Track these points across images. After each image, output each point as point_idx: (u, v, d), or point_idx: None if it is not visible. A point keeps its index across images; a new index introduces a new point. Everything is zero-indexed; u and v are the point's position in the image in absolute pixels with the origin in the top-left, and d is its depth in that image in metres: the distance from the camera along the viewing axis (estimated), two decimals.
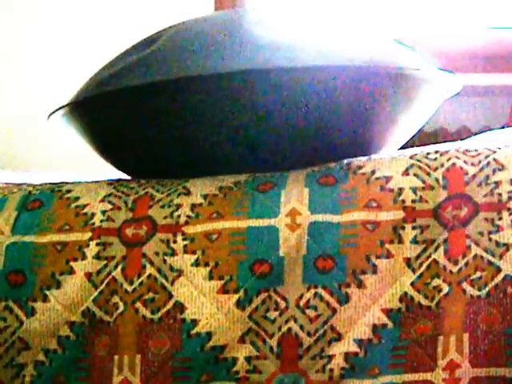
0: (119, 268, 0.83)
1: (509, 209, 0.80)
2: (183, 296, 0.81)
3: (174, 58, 0.88)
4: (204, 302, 0.81)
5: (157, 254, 0.83)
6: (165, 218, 0.84)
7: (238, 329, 0.80)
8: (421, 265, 0.80)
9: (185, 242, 0.83)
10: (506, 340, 0.78)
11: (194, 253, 0.82)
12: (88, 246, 0.84)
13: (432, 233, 0.80)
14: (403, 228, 0.81)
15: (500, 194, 0.81)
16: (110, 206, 0.86)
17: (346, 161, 0.88)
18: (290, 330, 0.80)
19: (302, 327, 0.80)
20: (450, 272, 0.79)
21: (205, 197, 0.86)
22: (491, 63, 2.18)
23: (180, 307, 0.81)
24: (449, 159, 0.84)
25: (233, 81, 0.85)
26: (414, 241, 0.80)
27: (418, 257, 0.80)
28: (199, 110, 0.87)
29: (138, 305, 0.81)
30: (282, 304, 0.80)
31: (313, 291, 0.80)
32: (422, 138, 2.19)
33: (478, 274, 0.79)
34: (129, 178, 1.06)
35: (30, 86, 2.27)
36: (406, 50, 0.96)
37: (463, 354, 0.78)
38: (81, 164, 2.26)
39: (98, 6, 2.27)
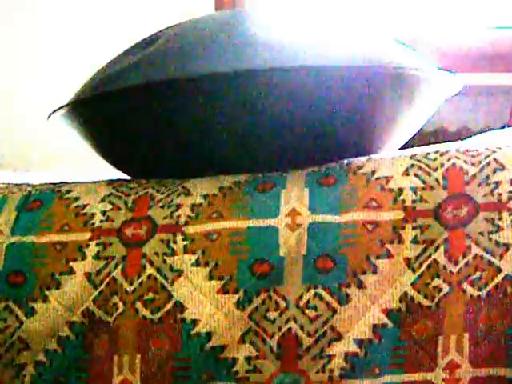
0: (119, 268, 0.83)
1: (509, 209, 0.80)
2: (183, 296, 0.81)
3: (174, 58, 0.88)
4: (204, 302, 0.81)
5: (157, 254, 0.83)
6: (165, 218, 0.84)
7: (238, 329, 0.80)
8: (421, 265, 0.80)
9: (185, 242, 0.83)
10: (506, 340, 0.78)
11: (194, 253, 0.82)
12: (88, 246, 0.84)
13: (432, 233, 0.80)
14: (403, 228, 0.81)
15: (500, 194, 0.81)
16: (109, 206, 0.86)
17: (346, 161, 0.88)
18: (290, 330, 0.80)
19: (302, 327, 0.80)
20: (450, 272, 0.79)
21: (205, 197, 0.86)
22: (491, 63, 2.18)
23: (180, 307, 0.81)
24: (449, 159, 0.84)
25: (232, 81, 0.85)
26: (414, 241, 0.80)
27: (418, 257, 0.80)
28: (199, 110, 0.87)
29: (138, 305, 0.81)
30: (282, 304, 0.80)
31: (313, 291, 0.80)
32: (422, 138, 2.19)
33: (478, 274, 0.79)
34: (129, 178, 1.06)
35: (29, 86, 2.27)
36: (406, 49, 0.96)
37: (463, 353, 0.78)
38: (81, 164, 2.26)
39: (98, 6, 2.27)
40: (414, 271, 0.79)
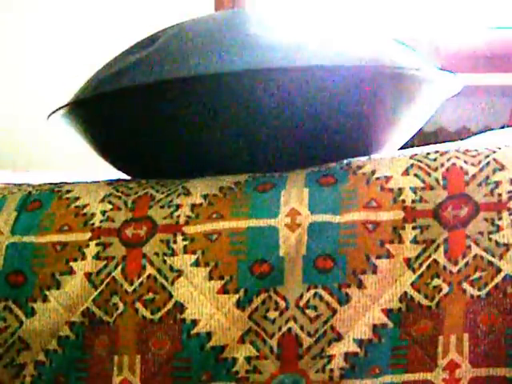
0: (119, 268, 0.83)
1: (509, 209, 0.80)
2: (183, 296, 0.81)
3: (174, 58, 0.88)
4: (204, 302, 0.81)
5: (157, 254, 0.83)
6: (165, 218, 0.84)
7: (238, 329, 0.80)
8: (421, 265, 0.79)
9: (185, 242, 0.83)
10: (506, 340, 0.78)
11: (193, 253, 0.82)
12: (88, 246, 0.84)
13: (432, 233, 0.80)
14: (403, 228, 0.81)
15: (500, 194, 0.81)
16: (109, 206, 0.86)
17: (345, 161, 0.88)
18: (290, 330, 0.80)
19: (302, 327, 0.80)
20: (450, 272, 0.79)
21: (205, 197, 0.86)
22: (491, 63, 2.18)
23: (180, 307, 0.81)
24: (449, 159, 0.84)
25: (232, 81, 0.85)
26: (414, 241, 0.80)
27: (418, 257, 0.80)
28: (199, 110, 0.87)
29: (138, 305, 0.81)
30: (282, 304, 0.80)
31: (313, 291, 0.80)
32: (422, 138, 2.19)
33: (478, 274, 0.79)
34: (129, 178, 1.06)
35: (30, 86, 2.27)
36: (406, 49, 0.96)
37: (463, 354, 0.78)
38: (81, 164, 2.26)
39: (98, 6, 2.27)
40: (413, 271, 0.79)
